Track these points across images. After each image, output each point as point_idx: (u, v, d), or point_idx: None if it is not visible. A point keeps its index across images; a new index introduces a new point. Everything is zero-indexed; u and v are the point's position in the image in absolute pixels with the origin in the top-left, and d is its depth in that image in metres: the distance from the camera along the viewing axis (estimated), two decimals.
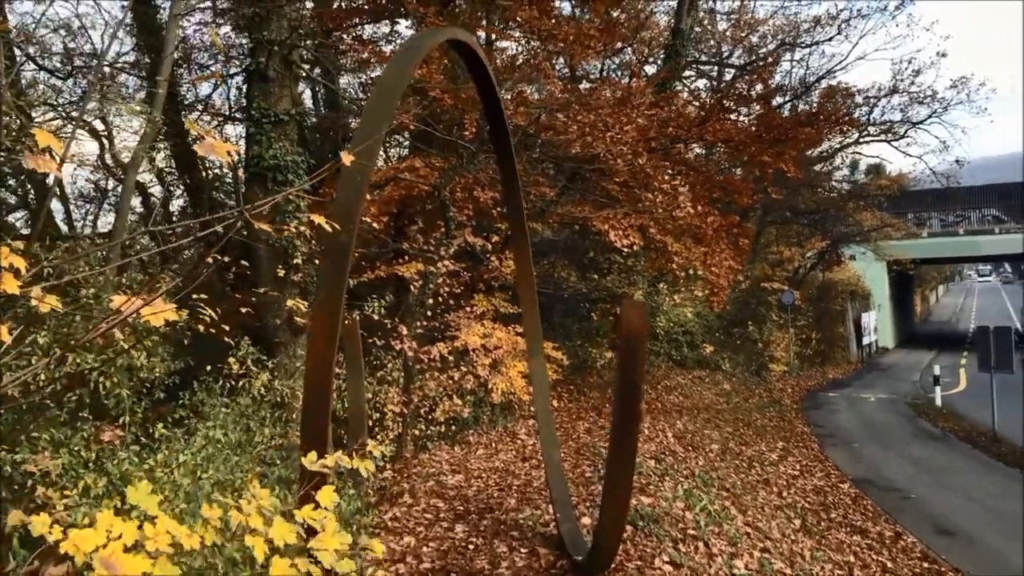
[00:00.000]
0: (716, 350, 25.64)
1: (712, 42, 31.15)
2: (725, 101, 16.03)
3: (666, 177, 14.83)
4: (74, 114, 19.36)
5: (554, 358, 16.39)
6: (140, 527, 2.12)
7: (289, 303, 9.50)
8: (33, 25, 15.46)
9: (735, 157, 17.57)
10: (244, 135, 10.78)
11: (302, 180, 9.82)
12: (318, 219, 3.33)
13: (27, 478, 4.23)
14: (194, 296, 7.90)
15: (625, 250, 14.18)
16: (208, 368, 6.77)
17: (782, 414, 21.56)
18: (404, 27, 17.89)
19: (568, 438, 13.25)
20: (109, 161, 21.42)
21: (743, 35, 30.71)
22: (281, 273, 8.73)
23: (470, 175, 13.72)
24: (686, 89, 28.34)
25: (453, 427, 12.43)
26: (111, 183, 20.58)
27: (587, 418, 15.63)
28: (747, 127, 15.75)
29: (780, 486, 13.00)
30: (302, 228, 9.75)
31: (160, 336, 6.06)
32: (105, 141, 21.63)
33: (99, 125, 21.63)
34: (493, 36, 15.72)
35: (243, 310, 7.63)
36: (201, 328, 7.30)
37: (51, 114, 19.36)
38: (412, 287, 11.67)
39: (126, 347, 5.25)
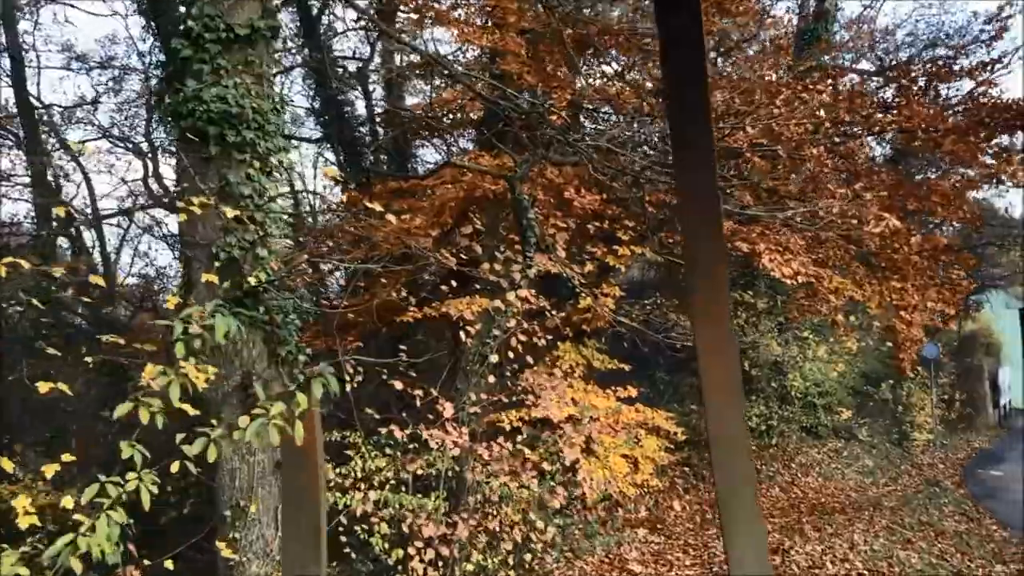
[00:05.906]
0: (853, 415, 20.61)
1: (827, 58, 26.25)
2: (921, 79, 11.30)
3: (844, 179, 10.22)
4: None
5: (663, 430, 12.08)
6: None
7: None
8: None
9: (929, 155, 12.78)
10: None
11: (275, 140, 5.56)
12: None
13: None
14: None
15: (788, 282, 9.54)
16: None
17: (960, 508, 16.28)
18: None
19: (701, 568, 8.59)
20: (153, 185, 18.26)
21: (869, 44, 25.70)
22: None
23: (558, 166, 9.39)
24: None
25: (526, 554, 7.76)
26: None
27: (717, 523, 10.92)
28: (956, 113, 11.01)
29: None
30: (271, 224, 5.51)
31: None
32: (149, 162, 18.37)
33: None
34: None
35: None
36: None
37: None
38: (463, 334, 7.18)
39: None
